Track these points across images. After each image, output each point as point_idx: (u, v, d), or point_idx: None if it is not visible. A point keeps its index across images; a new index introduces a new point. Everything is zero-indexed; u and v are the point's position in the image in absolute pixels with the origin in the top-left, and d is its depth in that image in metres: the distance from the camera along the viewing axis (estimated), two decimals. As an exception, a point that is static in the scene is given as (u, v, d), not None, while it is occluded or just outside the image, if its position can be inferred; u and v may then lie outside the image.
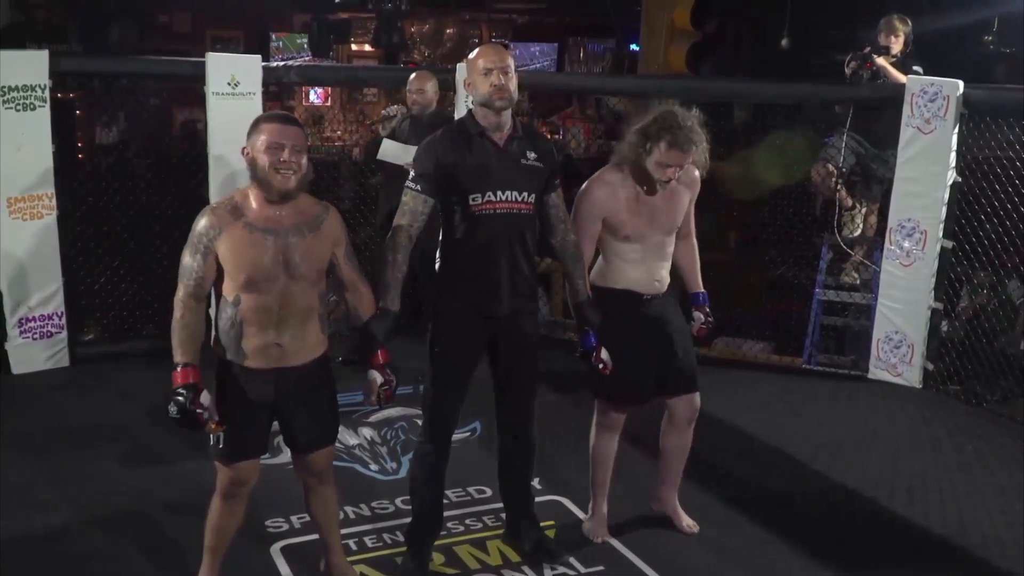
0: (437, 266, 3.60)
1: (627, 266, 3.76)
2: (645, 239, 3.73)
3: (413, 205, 3.47)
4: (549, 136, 10.67)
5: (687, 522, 4.12)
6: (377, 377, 3.34)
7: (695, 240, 4.01)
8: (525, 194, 3.49)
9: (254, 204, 3.12)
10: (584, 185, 3.78)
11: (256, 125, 3.11)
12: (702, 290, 4.03)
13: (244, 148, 3.11)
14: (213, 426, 3.06)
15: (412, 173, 3.49)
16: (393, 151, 5.55)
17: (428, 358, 3.61)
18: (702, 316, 3.98)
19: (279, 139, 3.04)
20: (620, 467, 4.06)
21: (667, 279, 3.84)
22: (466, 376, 3.61)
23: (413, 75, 5.84)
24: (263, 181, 3.08)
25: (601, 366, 3.67)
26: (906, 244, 6.01)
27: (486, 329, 3.57)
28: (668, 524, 4.12)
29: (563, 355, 6.48)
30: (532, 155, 3.51)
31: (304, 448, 3.35)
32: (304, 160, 3.09)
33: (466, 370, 3.61)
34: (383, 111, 5.84)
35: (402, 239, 3.46)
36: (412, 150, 5.44)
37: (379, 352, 3.35)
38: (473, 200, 3.43)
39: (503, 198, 3.45)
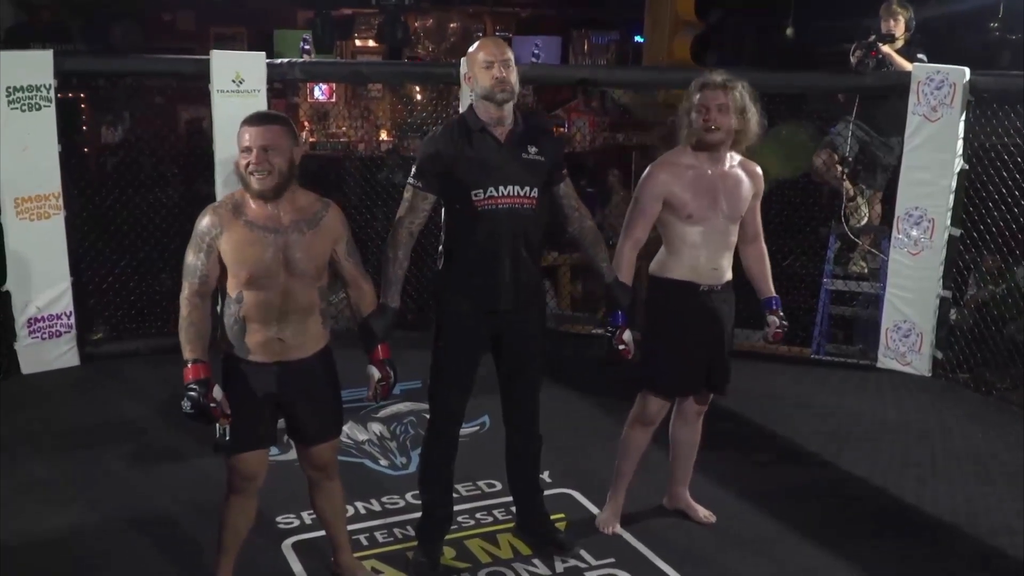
0: (439, 262, 3.60)
1: (688, 251, 3.74)
2: (707, 220, 3.70)
3: (414, 202, 3.47)
4: (555, 129, 10.64)
5: (703, 513, 4.12)
6: (375, 373, 3.35)
7: (764, 245, 3.98)
8: (528, 189, 3.48)
9: (252, 203, 3.13)
10: (648, 167, 3.79)
11: (238, 128, 3.12)
12: (774, 295, 3.98)
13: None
14: (222, 419, 3.08)
15: (413, 169, 3.49)
16: None
17: (432, 354, 3.61)
18: (776, 320, 3.94)
19: (248, 142, 3.07)
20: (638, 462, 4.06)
21: (726, 272, 3.81)
22: (471, 371, 3.61)
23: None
24: (243, 182, 3.12)
25: (622, 347, 3.68)
26: (914, 233, 5.99)
27: (490, 324, 3.57)
28: (682, 517, 4.13)
29: (571, 348, 6.52)
30: (533, 149, 3.50)
31: (308, 440, 3.36)
32: (279, 159, 3.07)
33: (470, 365, 3.61)
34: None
35: (403, 236, 3.47)
36: None
37: (378, 348, 3.35)
38: (475, 196, 3.42)
39: (505, 193, 3.44)
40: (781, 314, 3.96)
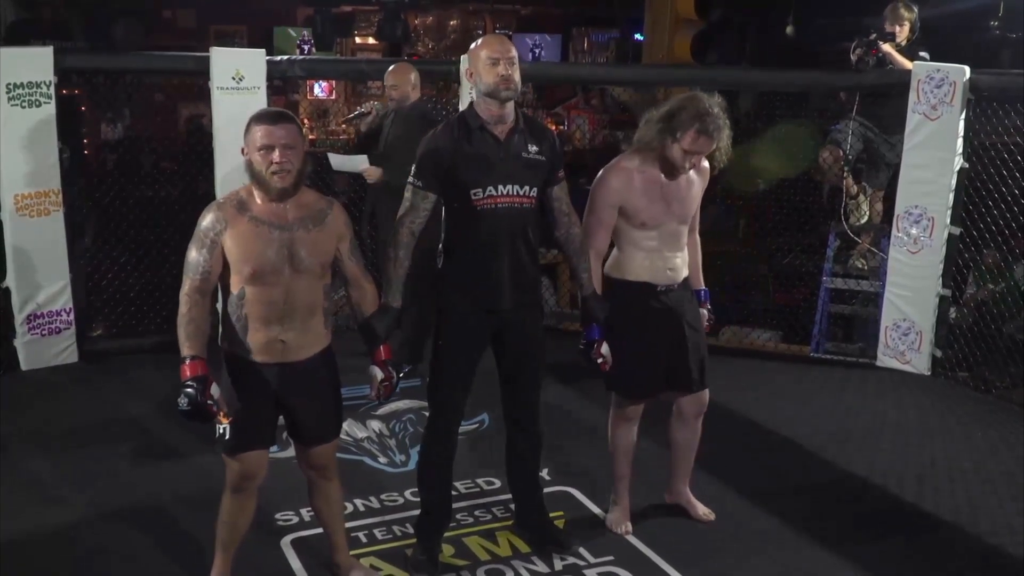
0: (440, 261, 3.60)
1: (642, 255, 3.74)
2: (661, 226, 3.71)
3: (414, 201, 3.47)
4: (555, 128, 10.65)
5: (702, 510, 4.12)
6: (378, 373, 3.35)
7: (698, 236, 4.00)
8: (527, 188, 3.48)
9: (259, 200, 3.13)
10: (600, 173, 3.77)
11: (249, 125, 3.10)
12: (703, 287, 4.03)
13: (243, 148, 3.12)
14: (220, 418, 3.07)
15: (413, 168, 3.49)
16: (342, 162, 5.56)
17: (432, 352, 3.62)
18: (705, 313, 3.99)
19: (269, 140, 3.04)
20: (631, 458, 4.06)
21: (682, 270, 3.82)
22: (470, 369, 3.61)
23: (389, 69, 5.70)
24: (260, 182, 3.09)
25: (600, 360, 3.68)
26: (913, 231, 5.99)
27: (490, 323, 3.57)
28: (682, 514, 4.13)
29: (571, 346, 6.52)
30: (533, 148, 3.50)
31: (307, 441, 3.36)
32: (298, 157, 3.08)
33: (470, 363, 3.61)
34: (359, 108, 5.79)
35: (404, 235, 3.46)
36: (361, 159, 5.52)
37: (381, 348, 3.36)
38: (474, 195, 3.42)
39: (504, 192, 3.44)
40: (709, 307, 4.01)
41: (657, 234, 3.72)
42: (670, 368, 3.84)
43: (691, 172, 3.75)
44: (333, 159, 5.58)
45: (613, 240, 3.80)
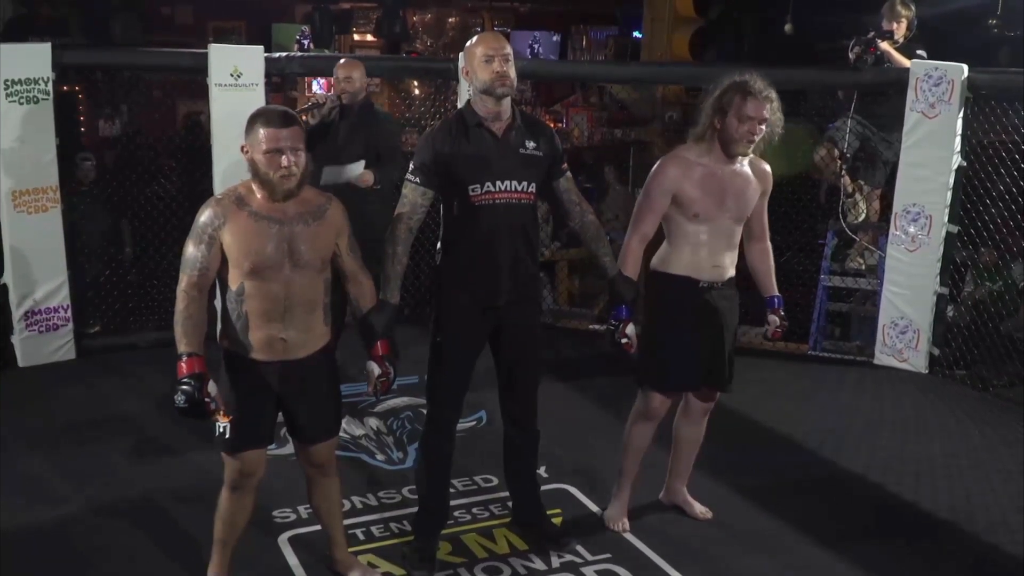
0: (438, 257, 3.60)
1: (689, 249, 3.73)
2: (713, 220, 3.69)
3: (412, 197, 3.47)
4: (553, 125, 10.64)
5: (700, 509, 4.12)
6: (375, 368, 3.35)
7: (769, 243, 3.98)
8: (525, 184, 3.48)
9: (258, 195, 3.12)
10: (658, 162, 3.78)
11: (253, 124, 3.08)
12: (777, 294, 4.01)
13: (243, 146, 3.10)
14: (220, 416, 3.07)
15: (411, 165, 3.49)
16: (333, 175, 5.10)
17: (430, 349, 3.62)
18: (777, 320, 3.97)
19: (277, 144, 3.03)
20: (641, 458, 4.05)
21: (728, 269, 3.80)
22: (468, 366, 3.61)
23: (340, 62, 5.61)
24: (265, 183, 3.08)
25: (624, 341, 3.67)
26: (911, 229, 5.99)
27: (488, 319, 3.57)
28: (679, 513, 4.13)
29: (568, 343, 6.53)
30: (531, 144, 3.50)
31: (307, 439, 3.36)
32: (303, 157, 3.09)
33: (468, 360, 3.61)
34: (311, 99, 5.66)
35: (402, 231, 3.46)
36: (351, 169, 5.11)
37: (378, 344, 3.35)
38: (472, 191, 3.42)
39: (502, 188, 3.44)
40: (782, 313, 3.98)
41: (709, 229, 3.71)
42: (708, 365, 3.84)
43: (749, 172, 3.74)
44: (325, 174, 5.04)
45: (664, 233, 3.80)
